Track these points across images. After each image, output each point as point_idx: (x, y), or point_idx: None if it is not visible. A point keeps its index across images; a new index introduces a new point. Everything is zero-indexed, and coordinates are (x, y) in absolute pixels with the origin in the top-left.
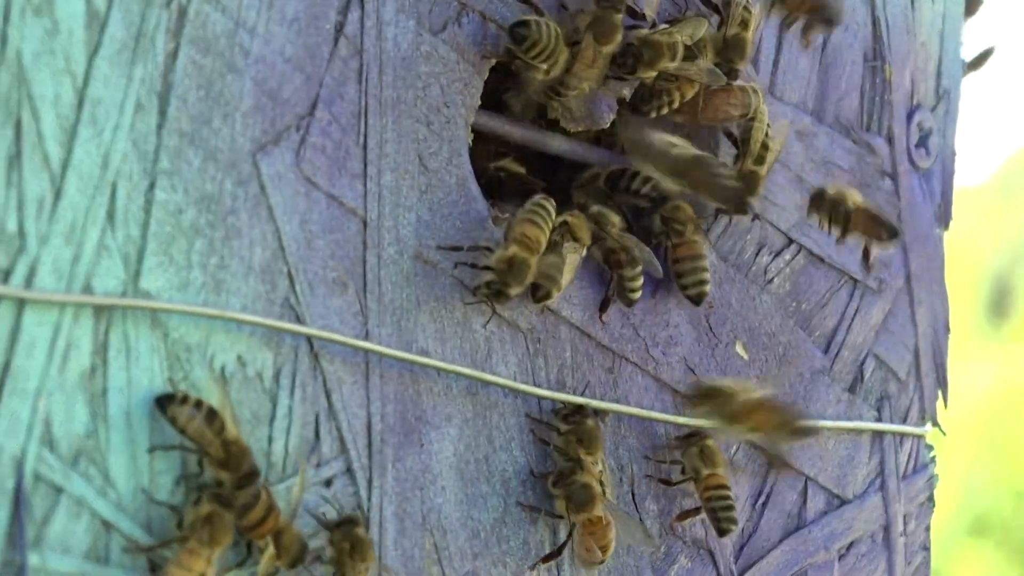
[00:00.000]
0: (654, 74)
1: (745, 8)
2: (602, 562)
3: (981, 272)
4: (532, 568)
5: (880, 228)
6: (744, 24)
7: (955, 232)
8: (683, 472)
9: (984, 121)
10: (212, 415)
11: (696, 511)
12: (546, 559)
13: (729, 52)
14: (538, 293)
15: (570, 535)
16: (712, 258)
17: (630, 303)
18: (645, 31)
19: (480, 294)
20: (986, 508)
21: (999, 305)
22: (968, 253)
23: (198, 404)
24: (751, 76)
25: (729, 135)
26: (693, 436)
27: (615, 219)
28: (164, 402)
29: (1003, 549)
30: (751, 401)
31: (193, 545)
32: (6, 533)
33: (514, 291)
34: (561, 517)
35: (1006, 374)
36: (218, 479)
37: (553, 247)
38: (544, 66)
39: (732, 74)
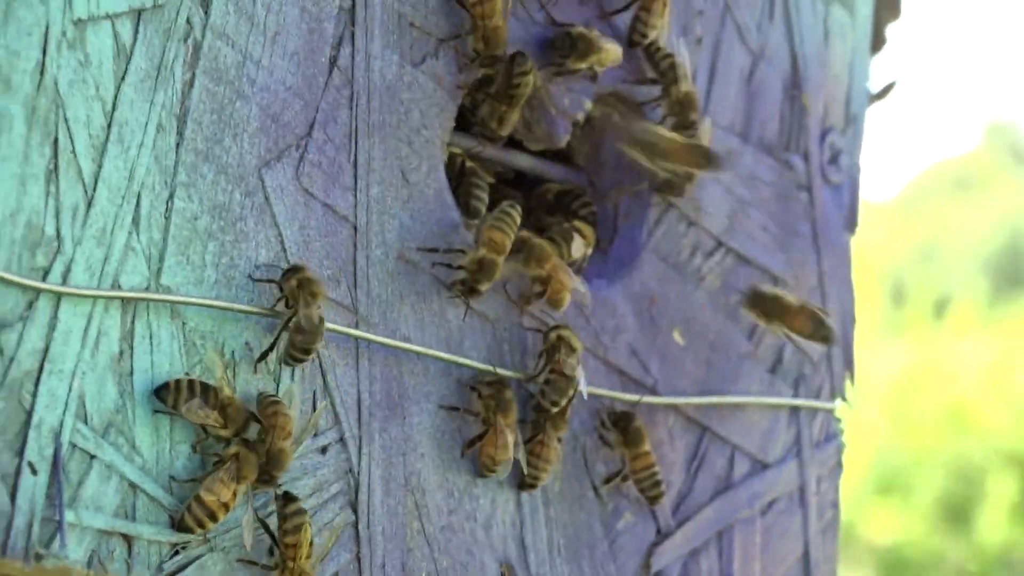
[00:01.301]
0: (583, 66)
1: (682, 64)
2: (493, 470)
3: (886, 273)
4: (462, 456)
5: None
6: (687, 79)
7: (865, 240)
8: (611, 449)
9: (890, 148)
10: (206, 391)
11: (619, 472)
12: (470, 444)
13: (686, 111)
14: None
15: (484, 435)
16: (654, 259)
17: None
18: (582, 28)
19: (455, 291)
20: (891, 470)
21: (898, 299)
22: (876, 258)
23: (191, 387)
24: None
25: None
26: (620, 421)
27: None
28: (162, 394)
29: (906, 505)
30: (793, 306)
31: (223, 476)
32: (46, 494)
33: (484, 287)
34: (480, 415)
35: (908, 359)
36: (219, 436)
37: (564, 234)
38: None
39: (692, 126)
